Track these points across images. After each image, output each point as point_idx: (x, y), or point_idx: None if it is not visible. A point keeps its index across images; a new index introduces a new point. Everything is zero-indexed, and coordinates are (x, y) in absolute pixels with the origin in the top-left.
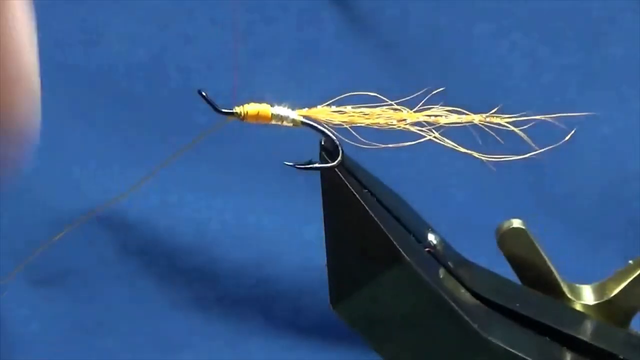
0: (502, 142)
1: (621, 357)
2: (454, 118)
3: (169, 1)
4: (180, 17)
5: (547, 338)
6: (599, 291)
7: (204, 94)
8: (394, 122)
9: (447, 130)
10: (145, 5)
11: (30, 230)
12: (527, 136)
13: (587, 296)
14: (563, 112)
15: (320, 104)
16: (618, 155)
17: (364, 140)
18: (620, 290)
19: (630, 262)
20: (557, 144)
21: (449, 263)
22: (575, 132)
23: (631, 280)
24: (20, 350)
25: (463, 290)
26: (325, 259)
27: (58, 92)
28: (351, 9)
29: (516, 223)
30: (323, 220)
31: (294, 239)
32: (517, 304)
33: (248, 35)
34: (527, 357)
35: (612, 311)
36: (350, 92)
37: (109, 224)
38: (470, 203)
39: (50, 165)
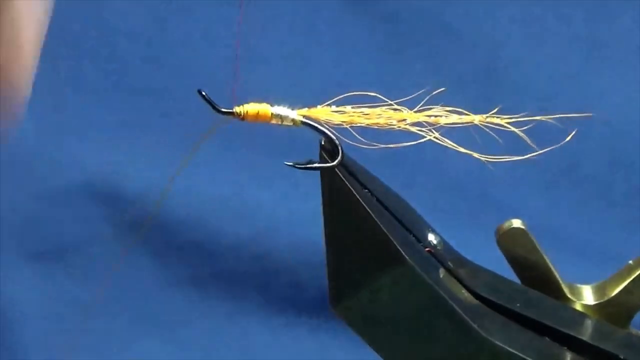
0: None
1: (621, 357)
2: (454, 118)
3: None
4: None
5: (547, 338)
6: (599, 291)
7: (203, 93)
8: (394, 122)
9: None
10: None
11: (29, 205)
12: (528, 136)
13: (587, 296)
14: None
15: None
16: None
17: (364, 140)
18: (620, 290)
19: (630, 262)
20: (559, 144)
21: (449, 263)
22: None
23: (631, 280)
24: (16, 326)
25: (463, 290)
26: (324, 249)
27: (58, 64)
28: None
29: (516, 223)
30: (323, 220)
31: (292, 215)
32: (517, 304)
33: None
34: (527, 357)
35: (612, 311)
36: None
37: (105, 199)
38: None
39: (48, 138)
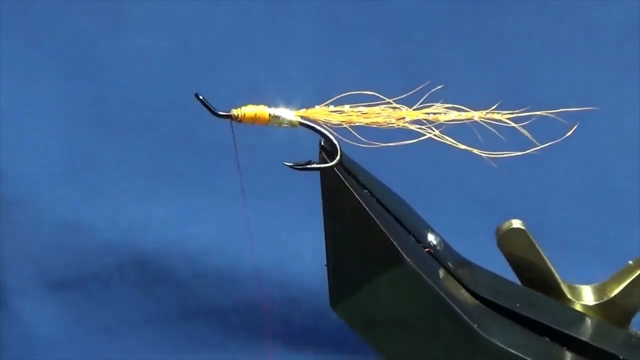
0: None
1: (621, 357)
2: (453, 115)
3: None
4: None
5: (547, 338)
6: (599, 291)
7: (201, 97)
8: (393, 120)
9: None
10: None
11: (48, 234)
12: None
13: (587, 296)
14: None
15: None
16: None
17: (364, 140)
18: (620, 291)
19: (630, 262)
20: (559, 140)
21: (449, 263)
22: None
23: (631, 281)
24: (43, 351)
25: (463, 291)
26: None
27: (79, 96)
28: None
29: (516, 223)
30: (323, 220)
31: (309, 245)
32: (517, 304)
33: None
34: (526, 357)
35: (612, 311)
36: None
37: (126, 229)
38: None
39: (70, 169)
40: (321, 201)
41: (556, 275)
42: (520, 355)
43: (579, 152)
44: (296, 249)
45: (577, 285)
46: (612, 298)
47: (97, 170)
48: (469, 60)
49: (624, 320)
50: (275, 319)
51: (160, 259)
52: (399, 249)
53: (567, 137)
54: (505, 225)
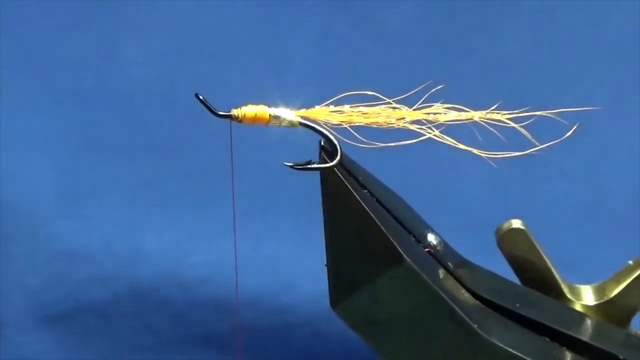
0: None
1: (621, 357)
2: (453, 115)
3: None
4: (195, 40)
5: (547, 338)
6: (599, 291)
7: (201, 97)
8: (393, 120)
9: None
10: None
11: (45, 266)
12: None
13: (587, 296)
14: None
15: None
16: None
17: (364, 140)
18: (620, 291)
19: (630, 262)
20: (559, 140)
21: (449, 263)
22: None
23: (631, 281)
24: None
25: (463, 291)
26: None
27: (71, 123)
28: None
29: (516, 224)
30: (323, 221)
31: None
32: (517, 304)
33: None
34: (526, 357)
35: (612, 311)
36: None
37: (122, 260)
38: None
39: (64, 200)
40: (321, 201)
41: (556, 275)
42: (520, 355)
43: (576, 170)
44: (292, 275)
45: (577, 285)
46: (612, 298)
47: (92, 200)
48: (469, 60)
49: (624, 320)
50: (272, 343)
51: (157, 289)
52: (399, 249)
53: (567, 137)
54: (505, 225)
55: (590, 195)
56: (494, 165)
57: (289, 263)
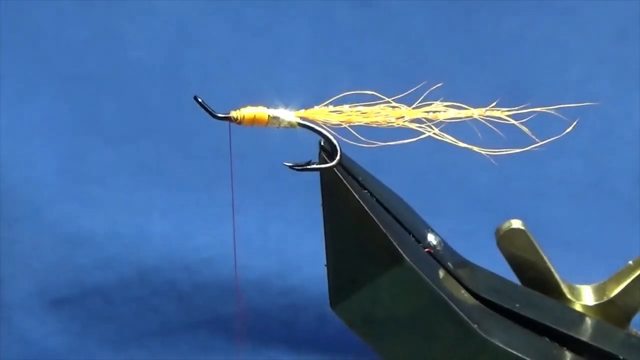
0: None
1: (621, 357)
2: (453, 113)
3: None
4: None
5: (546, 338)
6: (599, 291)
7: (199, 100)
8: (393, 119)
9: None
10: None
11: (49, 250)
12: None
13: (587, 296)
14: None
15: None
16: None
17: (364, 139)
18: (620, 291)
19: (630, 262)
20: (559, 136)
21: (449, 263)
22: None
23: (631, 281)
24: None
25: (463, 291)
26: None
27: (74, 106)
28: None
29: (516, 224)
30: (323, 221)
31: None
32: (517, 305)
33: None
34: (526, 358)
35: (612, 311)
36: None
37: (127, 243)
38: None
39: (68, 183)
40: (321, 201)
41: (556, 275)
42: (520, 355)
43: (578, 151)
44: (297, 256)
45: (577, 286)
46: (612, 298)
47: (96, 183)
48: (468, 57)
49: (624, 320)
50: (277, 325)
51: (162, 271)
52: (399, 249)
53: (567, 133)
54: (505, 226)
55: (592, 173)
56: (495, 162)
57: (294, 244)
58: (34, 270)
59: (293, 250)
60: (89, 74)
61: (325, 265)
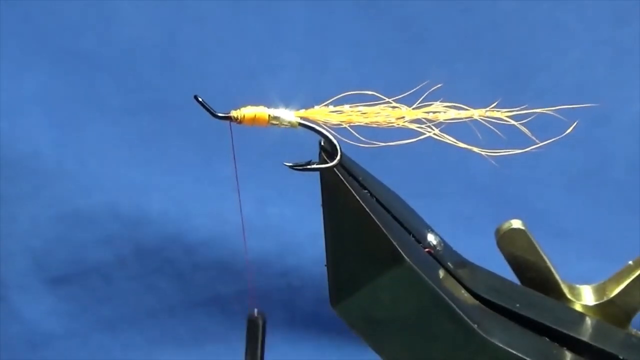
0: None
1: (621, 357)
2: (453, 113)
3: None
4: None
5: (546, 338)
6: (599, 291)
7: (200, 99)
8: (393, 120)
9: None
10: None
11: (48, 227)
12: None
13: (587, 296)
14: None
15: None
16: None
17: (364, 139)
18: (620, 291)
19: (630, 262)
20: (559, 137)
21: (449, 263)
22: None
23: (631, 281)
24: (40, 347)
25: (463, 291)
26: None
27: (72, 82)
28: None
29: (516, 224)
30: (323, 220)
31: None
32: (517, 305)
33: None
34: (526, 357)
35: (612, 311)
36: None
37: (126, 221)
38: None
39: (67, 161)
40: (321, 201)
41: (556, 275)
42: (520, 355)
43: (578, 141)
44: (297, 237)
45: (577, 285)
46: (612, 298)
47: (94, 162)
48: (468, 57)
49: (624, 320)
50: (277, 306)
51: (160, 251)
52: (399, 249)
53: (567, 132)
54: (505, 226)
55: (591, 161)
56: (495, 163)
57: (294, 225)
58: (31, 247)
59: (292, 230)
60: (87, 50)
61: (325, 265)
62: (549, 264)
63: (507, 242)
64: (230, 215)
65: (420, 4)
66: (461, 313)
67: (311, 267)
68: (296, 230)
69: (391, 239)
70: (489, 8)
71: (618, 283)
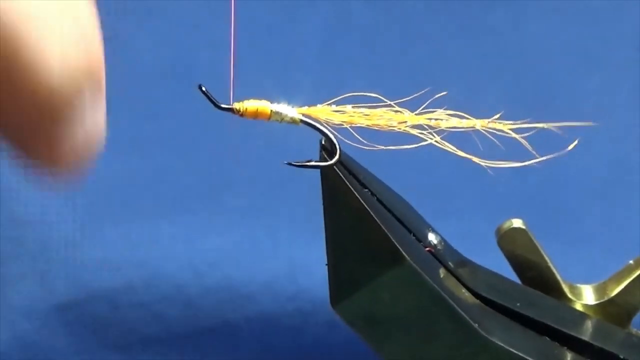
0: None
1: (621, 357)
2: (455, 122)
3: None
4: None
5: (547, 337)
6: (600, 291)
7: (203, 88)
8: (395, 124)
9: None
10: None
11: (54, 253)
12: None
13: (588, 296)
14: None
15: None
16: None
17: (364, 141)
18: (621, 290)
19: (631, 262)
20: (559, 153)
21: (449, 263)
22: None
23: (632, 280)
24: None
25: (463, 290)
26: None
27: None
28: None
29: (516, 223)
30: (323, 220)
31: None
32: (518, 304)
33: None
34: (526, 357)
35: (612, 311)
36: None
37: (134, 251)
38: None
39: (74, 190)
40: (322, 201)
41: (557, 274)
42: (521, 354)
43: (595, 147)
44: (306, 262)
45: (578, 285)
46: (612, 297)
47: (103, 185)
48: (486, 62)
49: (625, 319)
50: (286, 330)
51: (169, 276)
52: (400, 248)
53: (568, 148)
54: (506, 225)
55: (609, 168)
56: (492, 174)
57: (303, 249)
58: (38, 271)
59: (301, 255)
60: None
61: (326, 265)
62: (549, 263)
63: (508, 241)
64: (239, 240)
65: (443, 26)
66: (462, 312)
67: (321, 291)
68: (306, 254)
69: (392, 238)
70: (513, 31)
71: (618, 282)
